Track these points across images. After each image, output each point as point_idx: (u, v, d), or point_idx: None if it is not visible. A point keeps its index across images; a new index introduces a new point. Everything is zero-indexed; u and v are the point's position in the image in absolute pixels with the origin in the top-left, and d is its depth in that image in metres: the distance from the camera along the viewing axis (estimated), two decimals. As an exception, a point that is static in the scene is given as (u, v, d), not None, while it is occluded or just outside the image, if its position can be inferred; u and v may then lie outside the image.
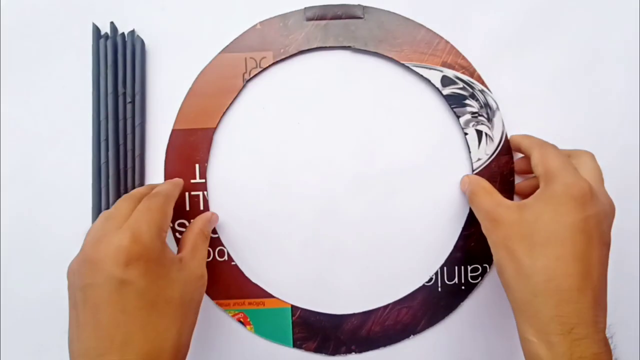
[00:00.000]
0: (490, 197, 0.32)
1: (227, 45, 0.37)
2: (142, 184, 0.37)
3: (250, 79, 0.37)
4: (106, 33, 0.37)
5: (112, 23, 0.37)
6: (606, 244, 0.29)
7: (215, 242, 0.37)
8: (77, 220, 0.37)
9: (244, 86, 0.37)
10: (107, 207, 0.37)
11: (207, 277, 0.29)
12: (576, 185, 0.28)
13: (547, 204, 0.28)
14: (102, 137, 0.37)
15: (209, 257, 0.37)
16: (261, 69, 0.37)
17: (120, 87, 0.37)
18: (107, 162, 0.37)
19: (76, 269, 0.25)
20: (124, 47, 0.37)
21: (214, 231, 0.37)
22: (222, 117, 0.37)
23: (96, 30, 0.37)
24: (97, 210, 0.37)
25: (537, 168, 0.31)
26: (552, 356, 0.25)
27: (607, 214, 0.29)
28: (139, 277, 0.24)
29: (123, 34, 0.37)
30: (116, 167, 0.37)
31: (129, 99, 0.37)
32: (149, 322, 0.24)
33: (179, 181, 0.35)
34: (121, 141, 0.37)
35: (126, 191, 0.37)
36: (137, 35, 0.37)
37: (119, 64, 0.37)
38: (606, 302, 0.28)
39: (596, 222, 0.27)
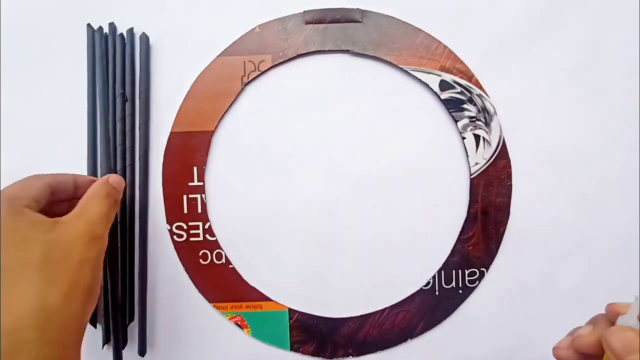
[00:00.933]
0: None
1: (226, 49, 0.38)
2: (142, 184, 0.37)
3: (249, 82, 0.38)
4: (105, 33, 0.37)
5: (111, 23, 0.37)
6: None
7: (213, 244, 0.37)
8: None
9: (242, 89, 0.38)
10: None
11: (103, 234, 0.28)
12: None
13: None
14: (100, 138, 0.37)
15: (206, 259, 0.37)
16: (260, 72, 0.37)
17: (119, 87, 0.37)
18: (107, 161, 0.37)
19: None
20: (123, 46, 0.37)
21: (212, 234, 0.37)
22: (220, 120, 0.37)
23: (90, 30, 0.37)
24: None
25: None
26: None
27: None
28: None
29: (122, 34, 0.37)
30: (114, 167, 0.37)
31: (126, 98, 0.37)
32: (3, 287, 0.23)
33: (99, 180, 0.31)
34: (119, 141, 0.37)
35: (124, 192, 0.37)
36: (143, 33, 0.37)
37: (118, 63, 0.37)
38: None
39: None
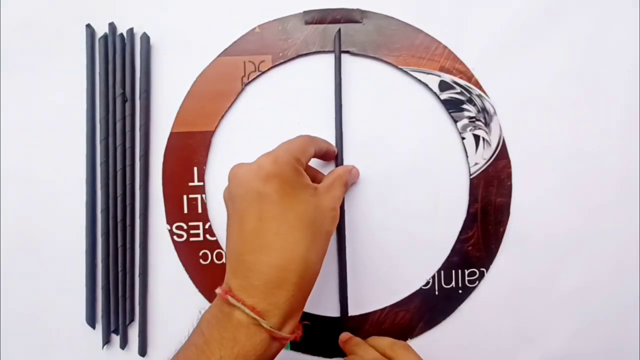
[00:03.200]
0: None
1: (226, 49, 0.38)
2: (142, 184, 0.37)
3: (249, 82, 0.38)
4: (105, 33, 0.37)
5: (111, 23, 0.37)
6: None
7: (213, 245, 0.37)
8: (71, 220, 0.37)
9: (242, 89, 0.38)
10: (103, 207, 0.37)
11: (338, 214, 0.31)
12: None
13: None
14: (101, 138, 0.37)
15: (206, 259, 0.37)
16: (260, 73, 0.37)
17: (119, 87, 0.37)
18: (106, 162, 0.37)
19: (229, 184, 0.29)
20: (123, 47, 0.37)
21: (212, 234, 0.37)
22: (220, 120, 0.38)
23: (90, 30, 0.37)
24: (91, 211, 0.37)
25: None
26: None
27: None
28: (273, 191, 0.28)
29: (122, 34, 0.37)
30: (114, 167, 0.37)
31: (126, 99, 0.37)
32: (281, 232, 0.27)
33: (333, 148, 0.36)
34: (119, 142, 0.37)
35: (124, 192, 0.37)
36: (144, 33, 0.37)
37: (118, 63, 0.37)
38: None
39: None
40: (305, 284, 0.28)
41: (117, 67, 0.37)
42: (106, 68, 0.37)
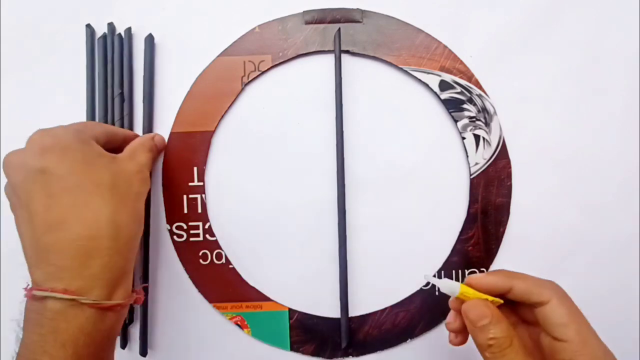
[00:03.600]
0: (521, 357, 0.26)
1: (226, 49, 0.38)
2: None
3: (249, 82, 0.38)
4: (104, 33, 0.37)
5: (110, 23, 0.37)
6: None
7: (213, 245, 0.37)
8: None
9: (242, 89, 0.38)
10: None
11: (148, 177, 0.31)
12: None
13: None
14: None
15: (206, 259, 0.37)
16: (260, 73, 0.37)
17: (117, 86, 0.37)
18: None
19: (6, 176, 0.28)
20: (122, 46, 0.37)
21: (212, 234, 0.37)
22: (220, 120, 0.37)
23: (89, 30, 0.37)
24: None
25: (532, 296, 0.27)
26: None
27: None
28: (57, 163, 0.26)
29: (120, 34, 0.37)
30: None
31: (124, 98, 0.37)
32: (79, 202, 0.26)
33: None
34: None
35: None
36: (150, 34, 0.37)
37: (116, 63, 0.37)
38: None
39: None
40: (122, 247, 0.27)
41: (116, 67, 0.37)
42: (105, 68, 0.37)
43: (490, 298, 0.28)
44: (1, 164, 0.28)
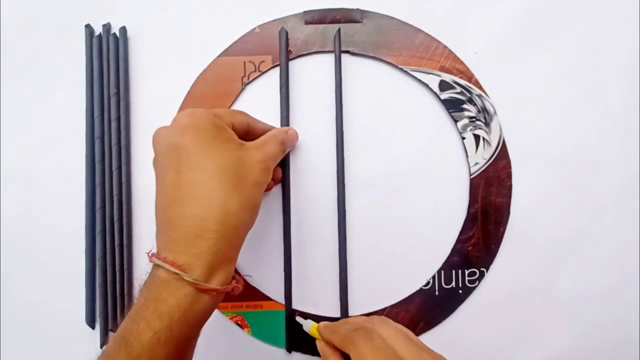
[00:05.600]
0: None
1: (226, 49, 0.38)
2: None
3: (249, 82, 0.38)
4: (100, 33, 0.37)
5: (105, 24, 0.37)
6: None
7: (213, 245, 0.37)
8: (72, 221, 0.37)
9: (242, 89, 0.38)
10: (101, 206, 0.37)
11: (271, 169, 0.31)
12: None
13: None
14: (95, 136, 0.37)
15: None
16: (260, 73, 0.37)
17: (113, 86, 0.37)
18: (102, 160, 0.37)
19: (153, 149, 0.29)
20: (116, 46, 0.37)
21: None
22: (220, 120, 0.38)
23: (89, 31, 0.37)
24: (90, 211, 0.37)
25: None
26: None
27: None
28: (189, 142, 0.28)
29: (115, 33, 0.37)
30: (109, 166, 0.37)
31: (114, 97, 0.37)
32: (198, 181, 0.27)
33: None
34: (114, 141, 0.37)
35: (120, 190, 0.37)
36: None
37: (111, 63, 0.37)
38: None
39: None
40: (229, 233, 0.27)
41: (111, 67, 0.37)
42: (100, 68, 0.37)
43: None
44: (152, 137, 0.29)
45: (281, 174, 0.37)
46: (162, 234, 0.27)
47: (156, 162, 0.29)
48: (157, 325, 0.25)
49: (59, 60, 0.38)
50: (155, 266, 0.26)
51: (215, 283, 0.27)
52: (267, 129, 0.34)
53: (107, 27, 0.37)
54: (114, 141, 0.37)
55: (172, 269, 0.25)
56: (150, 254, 0.27)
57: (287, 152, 0.36)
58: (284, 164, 0.37)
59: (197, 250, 0.26)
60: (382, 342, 0.28)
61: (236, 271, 0.29)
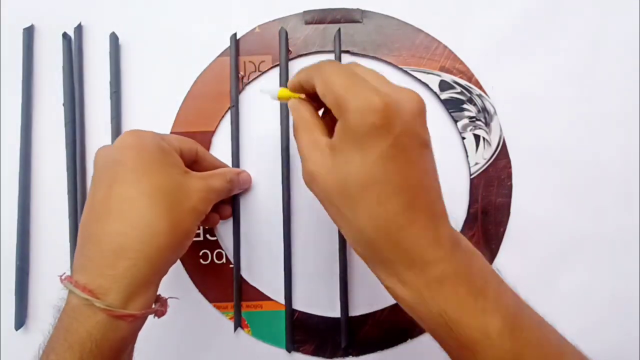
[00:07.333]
0: (308, 135, 0.27)
1: (226, 49, 0.38)
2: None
3: (249, 82, 0.38)
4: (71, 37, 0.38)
5: (77, 26, 0.37)
6: (425, 144, 0.26)
7: (213, 244, 0.37)
8: (56, 221, 0.37)
9: (242, 89, 0.38)
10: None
11: (212, 202, 0.31)
12: (369, 107, 0.23)
13: (350, 142, 0.24)
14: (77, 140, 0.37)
15: (206, 259, 0.37)
16: (260, 73, 0.37)
17: (112, 86, 0.37)
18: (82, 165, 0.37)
19: (94, 164, 0.28)
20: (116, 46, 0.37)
21: (212, 234, 0.37)
22: (220, 120, 0.38)
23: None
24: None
25: (326, 99, 0.25)
26: (411, 293, 0.24)
27: (413, 113, 0.25)
28: (129, 159, 0.27)
29: (114, 33, 0.37)
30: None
31: (114, 97, 0.37)
32: (129, 197, 0.26)
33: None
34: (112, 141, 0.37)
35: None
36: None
37: (112, 63, 0.37)
38: (444, 205, 0.25)
39: (406, 134, 0.24)
40: (153, 254, 0.25)
41: (111, 67, 0.37)
42: (79, 70, 0.37)
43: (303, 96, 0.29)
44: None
45: (230, 211, 0.36)
46: (79, 253, 0.26)
47: (93, 178, 0.28)
48: (68, 358, 0.23)
49: (58, 60, 0.38)
50: (69, 291, 0.24)
51: (133, 308, 0.25)
52: (219, 164, 0.35)
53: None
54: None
55: (82, 295, 0.24)
56: (62, 277, 0.25)
57: (234, 192, 0.35)
58: (239, 198, 0.37)
59: (113, 271, 0.24)
60: (346, 65, 0.27)
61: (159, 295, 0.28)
